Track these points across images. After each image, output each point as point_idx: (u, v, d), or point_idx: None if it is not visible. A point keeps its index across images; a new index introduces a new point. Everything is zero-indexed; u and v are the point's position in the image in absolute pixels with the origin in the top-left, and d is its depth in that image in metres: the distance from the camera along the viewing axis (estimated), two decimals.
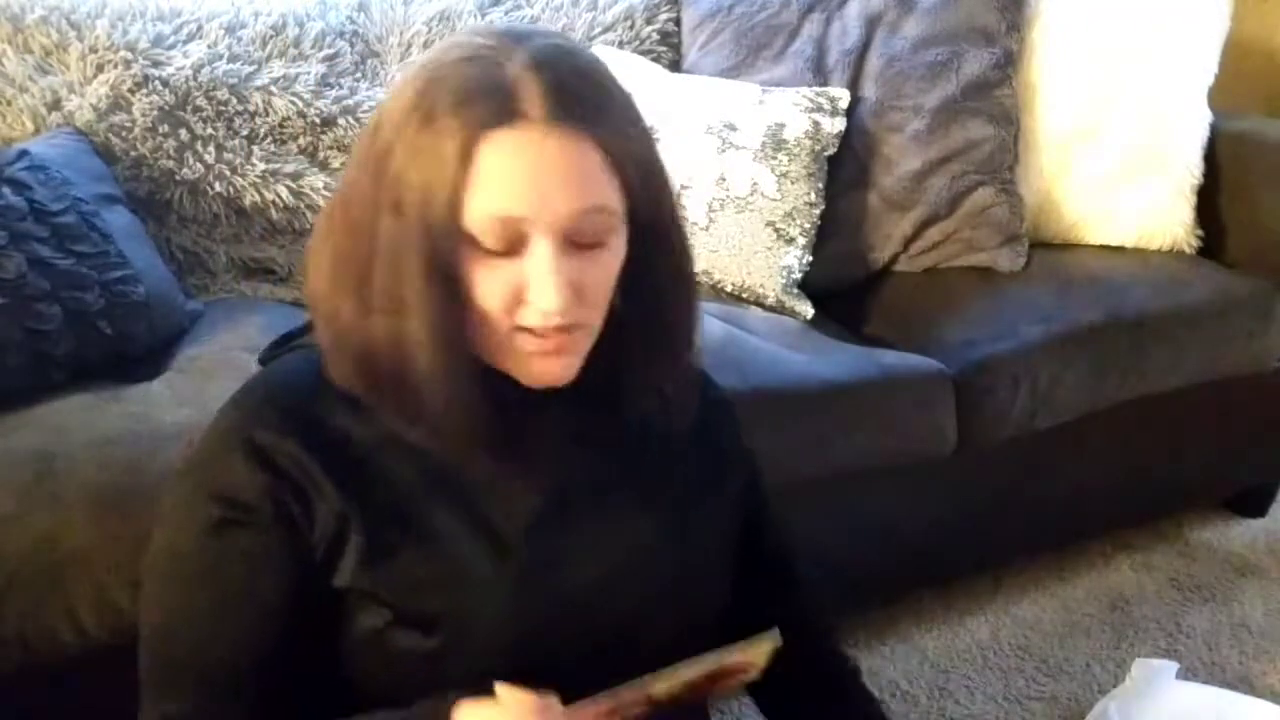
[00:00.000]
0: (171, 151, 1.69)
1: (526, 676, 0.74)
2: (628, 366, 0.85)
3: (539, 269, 0.75)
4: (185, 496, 0.81)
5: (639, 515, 0.87)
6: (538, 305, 0.75)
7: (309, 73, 1.77)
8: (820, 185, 1.80)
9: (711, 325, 1.59)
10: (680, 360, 0.88)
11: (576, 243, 0.76)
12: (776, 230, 1.77)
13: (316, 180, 1.75)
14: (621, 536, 0.85)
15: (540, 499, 0.83)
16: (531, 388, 0.81)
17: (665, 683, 0.67)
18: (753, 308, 1.76)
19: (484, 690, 0.74)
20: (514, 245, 0.75)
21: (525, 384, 0.80)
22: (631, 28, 1.99)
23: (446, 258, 0.75)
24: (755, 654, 0.70)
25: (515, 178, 0.74)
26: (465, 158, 0.73)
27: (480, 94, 0.73)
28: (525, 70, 0.74)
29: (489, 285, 0.76)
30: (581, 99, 0.75)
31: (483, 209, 0.74)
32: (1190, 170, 1.93)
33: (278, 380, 0.85)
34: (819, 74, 1.93)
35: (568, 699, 0.73)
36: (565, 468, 0.85)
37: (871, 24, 1.94)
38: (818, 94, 1.84)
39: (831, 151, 1.83)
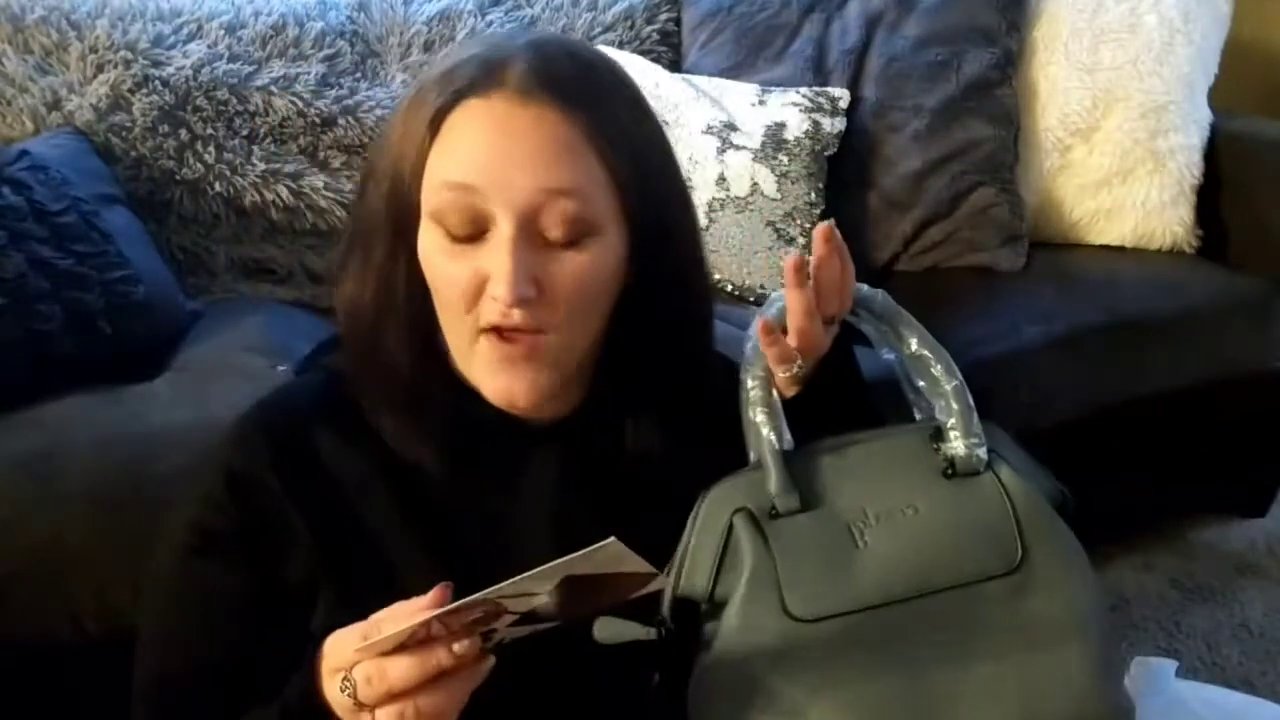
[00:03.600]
0: (171, 151, 1.69)
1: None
2: (627, 406, 0.81)
3: (496, 253, 0.71)
4: (175, 517, 0.80)
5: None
6: (492, 293, 0.72)
7: (309, 73, 1.77)
8: (820, 185, 1.80)
9: None
10: (689, 391, 0.82)
11: (545, 236, 0.72)
12: (776, 230, 1.77)
13: (316, 180, 1.75)
14: None
15: (512, 538, 0.79)
16: (523, 426, 0.78)
17: (513, 590, 0.62)
18: (753, 308, 1.76)
19: None
20: (476, 228, 0.72)
21: (494, 402, 0.76)
22: (631, 28, 1.99)
23: (409, 229, 0.74)
24: (601, 559, 0.63)
25: (476, 144, 0.72)
26: (435, 124, 0.72)
27: (468, 68, 0.73)
28: (519, 50, 0.73)
29: (451, 272, 0.73)
30: (569, 77, 0.73)
31: (438, 174, 0.72)
32: (1190, 170, 1.93)
33: (276, 406, 0.82)
34: (819, 74, 1.92)
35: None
36: (547, 511, 0.80)
37: (871, 24, 1.94)
38: (818, 94, 1.84)
39: (831, 151, 1.82)
